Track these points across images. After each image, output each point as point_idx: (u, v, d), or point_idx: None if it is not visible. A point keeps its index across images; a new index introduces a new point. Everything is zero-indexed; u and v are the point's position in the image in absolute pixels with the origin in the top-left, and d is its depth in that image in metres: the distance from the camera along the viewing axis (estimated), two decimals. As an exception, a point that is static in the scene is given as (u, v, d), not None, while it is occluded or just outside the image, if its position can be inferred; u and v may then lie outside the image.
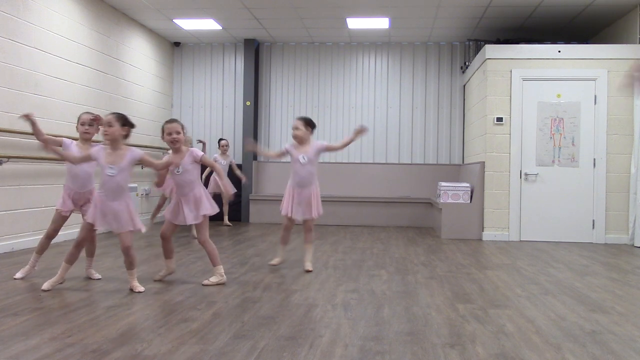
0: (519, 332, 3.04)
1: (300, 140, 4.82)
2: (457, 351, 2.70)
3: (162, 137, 4.12)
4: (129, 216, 3.88)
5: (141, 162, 3.97)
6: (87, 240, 3.99)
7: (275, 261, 4.97)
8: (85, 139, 4.25)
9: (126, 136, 3.92)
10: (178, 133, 4.05)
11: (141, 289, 3.91)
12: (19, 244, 5.69)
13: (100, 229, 3.95)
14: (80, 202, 4.25)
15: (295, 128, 4.80)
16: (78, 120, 4.30)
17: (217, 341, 2.80)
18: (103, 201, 3.83)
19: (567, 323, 3.25)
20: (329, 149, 4.92)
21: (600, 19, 7.63)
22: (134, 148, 3.95)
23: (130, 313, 3.31)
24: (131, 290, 3.92)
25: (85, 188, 4.24)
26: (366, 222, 9.01)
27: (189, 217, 4.13)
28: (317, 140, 4.93)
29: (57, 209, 4.26)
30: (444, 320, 3.27)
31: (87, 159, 3.95)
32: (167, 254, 4.29)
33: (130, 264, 3.95)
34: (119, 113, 3.94)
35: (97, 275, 4.35)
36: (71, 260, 3.92)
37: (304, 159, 4.76)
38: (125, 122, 3.89)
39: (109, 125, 3.81)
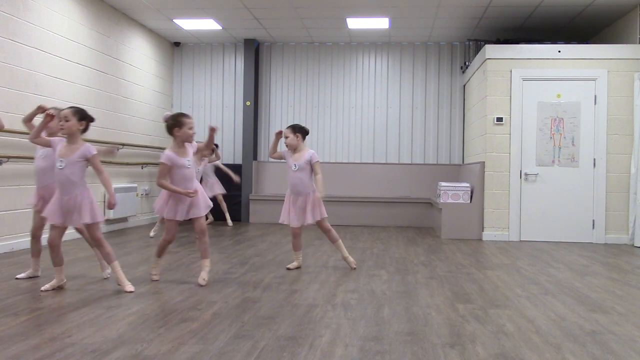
0: (519, 332, 3.04)
1: (292, 148, 4.86)
2: (457, 351, 2.70)
3: (176, 131, 4.04)
4: (87, 209, 3.82)
5: (89, 162, 3.86)
6: (58, 237, 3.86)
7: (291, 265, 4.95)
8: (49, 132, 4.16)
9: (84, 130, 3.88)
10: (194, 128, 4.17)
11: (131, 288, 3.88)
12: (19, 244, 5.69)
13: (55, 222, 3.84)
14: (48, 197, 4.14)
15: (285, 137, 4.85)
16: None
17: (217, 341, 2.80)
18: (59, 197, 3.81)
19: (567, 323, 3.25)
20: (312, 168, 4.79)
21: (600, 19, 7.63)
22: (89, 145, 3.88)
23: (130, 313, 3.31)
24: (119, 285, 3.92)
25: (41, 183, 4.19)
26: (366, 222, 9.01)
27: (201, 208, 4.15)
28: (313, 151, 4.88)
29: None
30: (444, 320, 3.27)
31: (47, 144, 3.92)
32: (163, 253, 4.30)
33: (107, 256, 3.93)
34: (76, 107, 3.90)
35: (107, 273, 4.32)
36: (56, 262, 3.88)
37: (295, 166, 4.79)
38: (83, 117, 3.86)
39: (65, 119, 3.79)
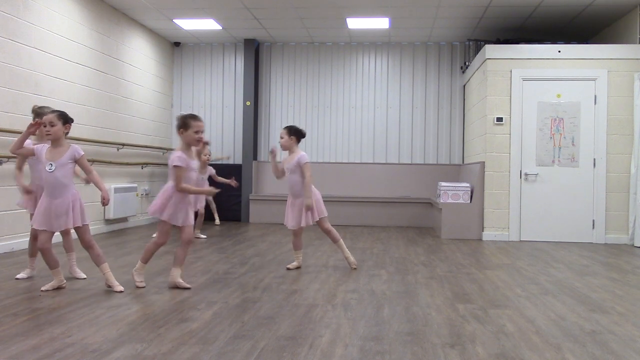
0: (519, 332, 3.04)
1: (284, 149, 4.89)
2: (457, 351, 2.70)
3: (181, 132, 3.95)
4: (78, 211, 3.83)
5: (78, 163, 3.85)
6: (48, 241, 3.81)
7: (291, 265, 4.96)
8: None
9: (67, 133, 3.86)
10: (202, 132, 4.00)
11: (121, 288, 3.87)
12: (19, 244, 5.69)
13: (44, 228, 3.79)
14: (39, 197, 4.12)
15: (280, 137, 4.88)
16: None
17: (217, 341, 2.80)
18: (48, 201, 3.78)
19: (567, 323, 3.25)
20: (302, 171, 4.74)
21: (600, 19, 7.63)
22: (76, 146, 3.87)
23: (130, 313, 3.31)
24: (108, 287, 3.91)
25: (38, 182, 4.20)
26: (366, 222, 9.01)
27: (193, 217, 4.14)
28: (304, 153, 4.83)
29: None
30: (444, 320, 3.27)
31: (31, 153, 3.90)
32: (151, 258, 4.14)
33: (97, 258, 3.91)
34: (59, 111, 3.86)
35: (81, 275, 4.32)
36: (51, 265, 3.87)
37: (287, 169, 4.82)
38: (66, 120, 3.84)
39: (51, 124, 3.76)
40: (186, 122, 3.95)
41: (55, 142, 3.82)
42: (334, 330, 3.01)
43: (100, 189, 3.87)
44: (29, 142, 4.00)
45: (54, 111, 3.85)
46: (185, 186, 3.93)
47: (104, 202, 3.85)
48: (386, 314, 3.38)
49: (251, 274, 4.62)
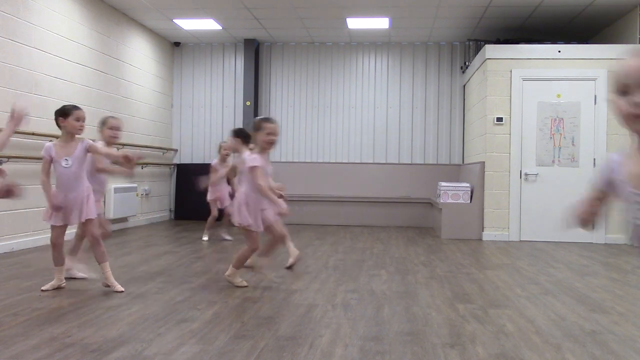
0: (519, 332, 3.04)
1: (235, 151, 4.94)
2: (457, 351, 2.70)
3: (256, 135, 3.97)
4: (91, 204, 3.85)
5: (90, 151, 3.87)
6: (60, 236, 3.84)
7: (289, 263, 4.93)
8: (111, 142, 4.35)
9: None
10: (276, 135, 3.97)
11: (121, 288, 3.87)
12: (19, 244, 5.69)
13: (58, 223, 3.82)
14: None
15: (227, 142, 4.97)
16: (104, 125, 4.36)
17: (217, 341, 2.80)
18: (63, 196, 3.78)
19: (567, 323, 3.25)
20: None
21: (600, 19, 7.63)
22: (84, 138, 3.91)
23: (130, 313, 3.31)
24: (107, 286, 3.89)
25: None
26: (366, 222, 9.01)
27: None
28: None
29: None
30: (444, 320, 3.27)
31: (46, 165, 3.82)
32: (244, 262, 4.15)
33: (101, 255, 3.90)
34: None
35: (80, 275, 4.30)
36: (58, 261, 3.88)
37: (240, 170, 4.81)
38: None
39: (84, 119, 3.88)
40: (259, 125, 3.95)
41: (69, 137, 3.85)
42: (334, 330, 3.01)
43: (119, 155, 3.84)
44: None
45: (77, 107, 3.92)
46: (265, 188, 3.83)
47: (138, 157, 3.87)
48: (386, 314, 3.38)
49: (251, 274, 4.62)
